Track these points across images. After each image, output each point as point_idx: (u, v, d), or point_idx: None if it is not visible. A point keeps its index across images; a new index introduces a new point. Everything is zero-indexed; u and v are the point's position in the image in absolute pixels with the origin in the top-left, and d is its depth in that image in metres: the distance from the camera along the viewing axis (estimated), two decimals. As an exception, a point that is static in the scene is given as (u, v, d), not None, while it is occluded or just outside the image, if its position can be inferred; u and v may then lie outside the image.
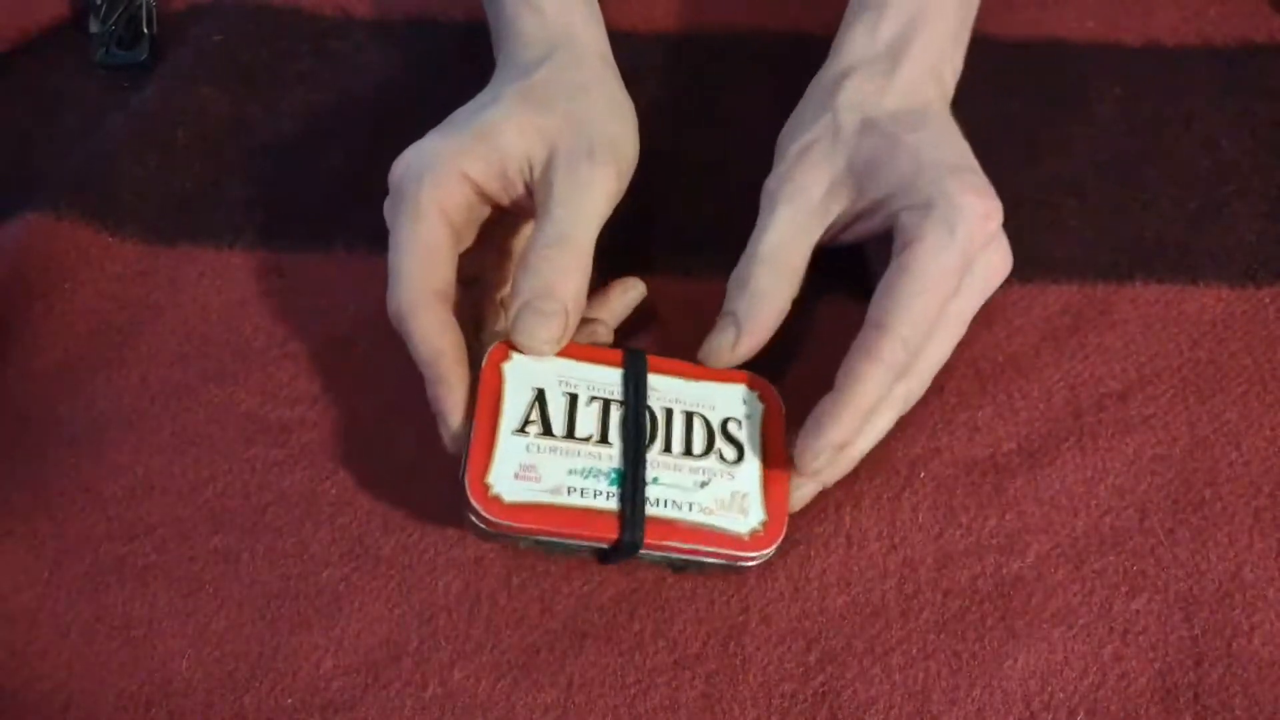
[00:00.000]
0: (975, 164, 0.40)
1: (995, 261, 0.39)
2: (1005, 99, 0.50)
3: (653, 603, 0.39)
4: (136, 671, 0.38)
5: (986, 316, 0.43)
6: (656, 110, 0.49)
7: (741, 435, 0.38)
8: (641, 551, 0.36)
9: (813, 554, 0.40)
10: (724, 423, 0.38)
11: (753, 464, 0.38)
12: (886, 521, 0.40)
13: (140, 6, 0.53)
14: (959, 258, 0.37)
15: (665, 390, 0.39)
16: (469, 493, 0.35)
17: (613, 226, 0.39)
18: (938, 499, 0.41)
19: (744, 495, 0.37)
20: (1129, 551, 0.40)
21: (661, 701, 0.37)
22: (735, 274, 0.39)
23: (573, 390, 0.37)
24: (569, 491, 0.36)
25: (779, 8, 0.53)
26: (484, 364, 0.37)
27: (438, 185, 0.38)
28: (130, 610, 0.39)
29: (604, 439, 0.37)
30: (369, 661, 0.38)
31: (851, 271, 0.43)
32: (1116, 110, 0.50)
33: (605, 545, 0.36)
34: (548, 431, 0.36)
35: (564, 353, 0.38)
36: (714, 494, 0.37)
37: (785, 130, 0.43)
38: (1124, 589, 0.39)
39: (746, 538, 0.36)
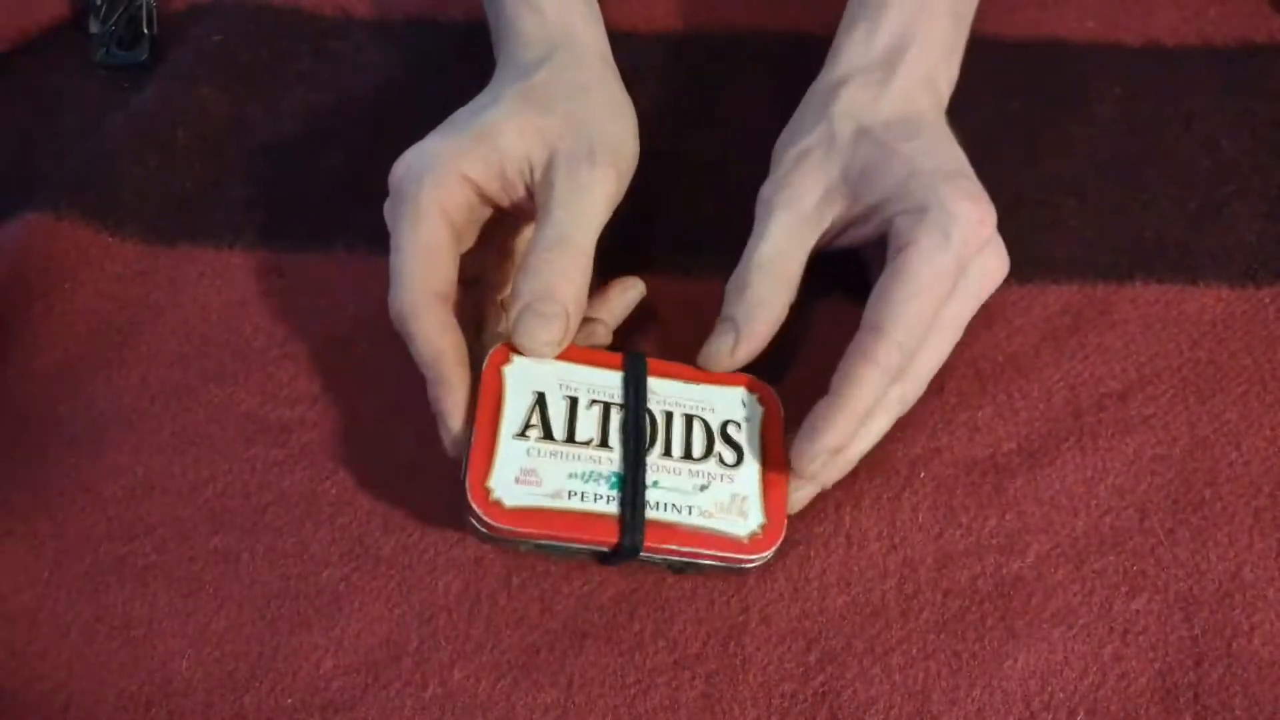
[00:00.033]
0: (970, 170, 0.40)
1: (990, 265, 0.39)
2: (1005, 99, 0.50)
3: (653, 603, 0.39)
4: (136, 671, 0.38)
5: (986, 316, 0.43)
6: (656, 110, 0.49)
7: (741, 438, 0.38)
8: (641, 554, 0.36)
9: (813, 554, 0.40)
10: (723, 426, 0.38)
11: (752, 467, 0.38)
12: (886, 521, 0.40)
13: (140, 7, 0.53)
14: (953, 262, 0.37)
15: (665, 393, 0.39)
16: (470, 497, 0.35)
17: (613, 226, 0.39)
18: (938, 499, 0.41)
19: (743, 498, 0.37)
20: (1129, 551, 0.40)
21: (661, 701, 0.37)
22: (733, 280, 0.40)
23: (573, 394, 0.37)
24: (569, 495, 0.36)
25: (779, 8, 0.53)
26: (485, 367, 0.37)
27: (438, 186, 0.38)
28: (130, 610, 0.39)
29: (604, 443, 0.37)
30: (369, 661, 0.38)
31: (849, 276, 0.43)
32: (1116, 110, 0.50)
33: (605, 549, 0.36)
34: (548, 435, 0.36)
35: (564, 356, 0.38)
36: (713, 497, 0.37)
37: (782, 138, 0.43)
38: (1124, 589, 0.39)
39: (746, 540, 0.36)
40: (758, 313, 0.38)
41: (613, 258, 0.43)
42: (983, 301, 0.40)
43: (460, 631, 0.38)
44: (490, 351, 0.37)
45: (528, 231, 0.43)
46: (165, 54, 0.53)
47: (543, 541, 0.36)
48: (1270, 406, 0.42)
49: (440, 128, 0.41)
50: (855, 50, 0.43)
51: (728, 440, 0.38)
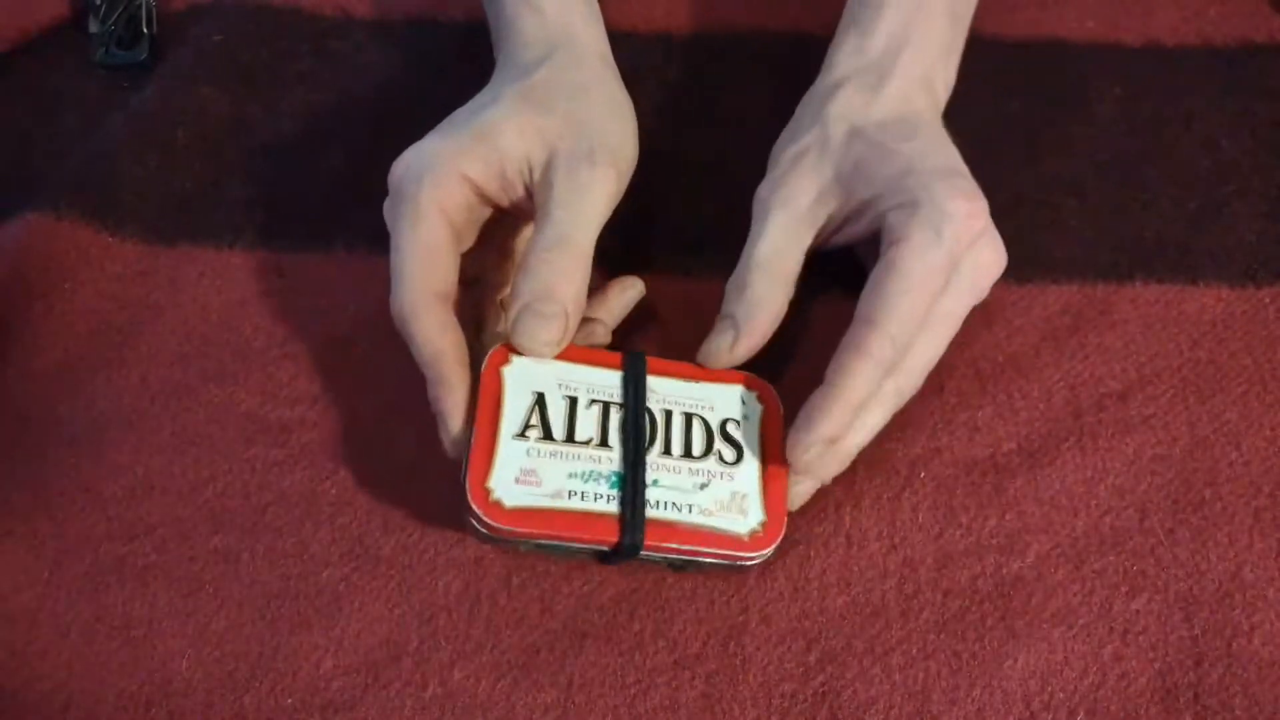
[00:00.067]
0: (964, 168, 0.40)
1: (984, 259, 0.39)
2: (1005, 99, 0.50)
3: (653, 603, 0.39)
4: (136, 671, 0.38)
5: (986, 316, 0.43)
6: (656, 110, 0.49)
7: (740, 436, 0.38)
8: (642, 553, 0.36)
9: (813, 554, 0.40)
10: (723, 424, 0.38)
11: (752, 465, 0.38)
12: (886, 521, 0.40)
13: (140, 6, 0.53)
14: (945, 258, 0.37)
15: (665, 392, 0.39)
16: (470, 498, 0.35)
17: (613, 226, 0.39)
18: (938, 499, 0.41)
19: (743, 496, 0.37)
20: (1129, 551, 0.40)
21: (661, 701, 0.37)
22: (732, 280, 0.40)
23: (572, 393, 0.37)
24: (569, 495, 0.36)
25: (779, 8, 0.53)
26: (484, 367, 0.37)
27: (437, 186, 0.38)
28: (130, 610, 0.39)
29: (604, 442, 0.37)
30: (369, 661, 0.38)
31: (847, 275, 0.43)
32: (1116, 110, 0.50)
33: (606, 548, 0.36)
34: (548, 436, 0.36)
35: (564, 355, 0.38)
36: (713, 495, 0.37)
37: (780, 139, 0.43)
38: (1124, 589, 0.39)
39: (746, 538, 0.36)
40: (757, 311, 0.39)
41: (613, 258, 0.43)
42: (980, 294, 0.40)
43: (460, 631, 0.38)
44: (489, 352, 0.37)
45: (527, 231, 0.43)
46: (165, 54, 0.53)
47: (543, 541, 0.36)
48: (1270, 406, 0.42)
49: (439, 127, 0.41)
50: (851, 53, 0.43)
51: (727, 438, 0.38)
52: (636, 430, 0.37)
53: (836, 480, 0.40)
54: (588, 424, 0.37)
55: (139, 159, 0.48)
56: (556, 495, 0.35)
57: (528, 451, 0.36)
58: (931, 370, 0.40)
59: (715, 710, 0.37)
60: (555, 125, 0.39)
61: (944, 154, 0.40)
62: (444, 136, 0.39)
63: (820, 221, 0.40)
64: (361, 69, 0.52)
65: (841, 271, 0.43)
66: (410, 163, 0.39)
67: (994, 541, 0.40)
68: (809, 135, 0.41)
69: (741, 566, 0.38)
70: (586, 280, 0.38)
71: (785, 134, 0.43)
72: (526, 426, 0.36)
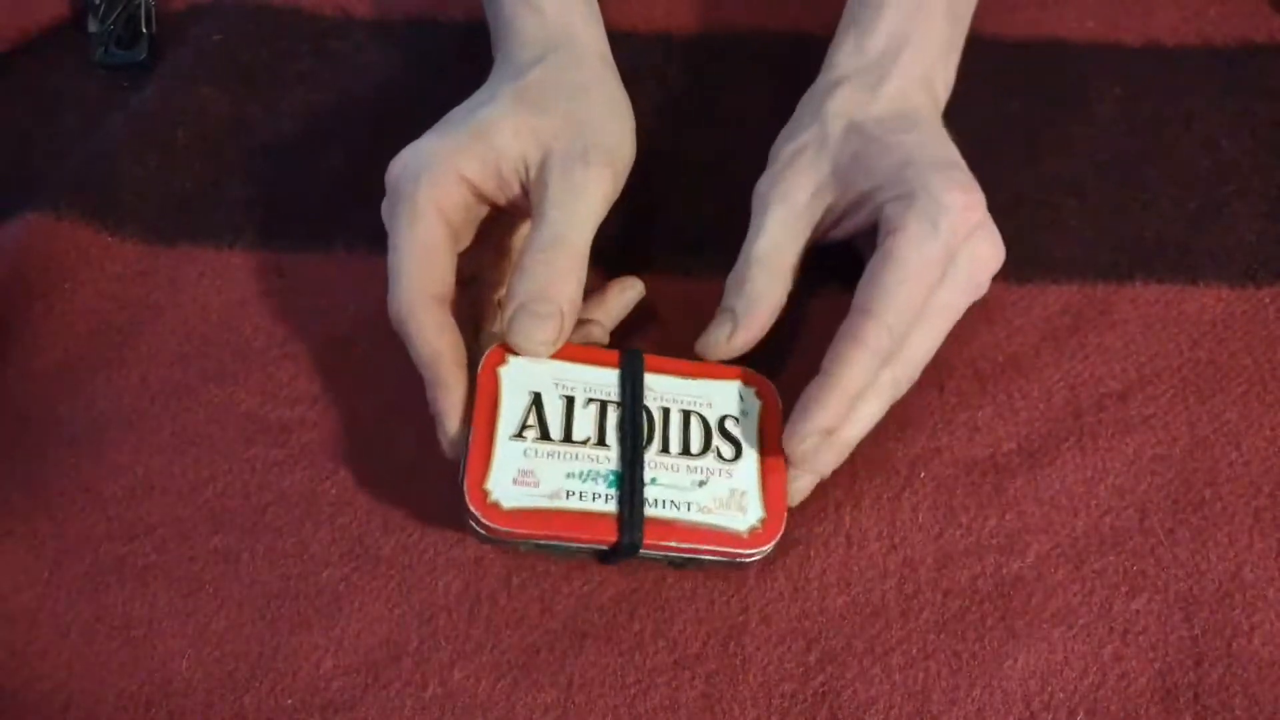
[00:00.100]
0: (961, 161, 0.40)
1: (981, 252, 0.39)
2: (1005, 99, 0.50)
3: (653, 603, 0.39)
4: (136, 671, 0.38)
5: (986, 316, 0.43)
6: (656, 110, 0.49)
7: (739, 432, 0.38)
8: (641, 551, 0.36)
9: (813, 554, 0.40)
10: (721, 420, 0.38)
11: (750, 461, 0.38)
12: (886, 521, 0.40)
13: (139, 6, 0.53)
14: (941, 250, 0.37)
15: (662, 389, 0.39)
16: (468, 499, 0.35)
17: (613, 226, 0.39)
18: (938, 499, 0.41)
19: (742, 493, 0.37)
20: (1129, 551, 0.40)
21: (661, 701, 0.37)
22: (732, 274, 0.40)
23: (569, 393, 0.37)
24: (567, 495, 0.36)
25: (779, 8, 0.53)
26: (480, 368, 0.37)
27: (434, 185, 0.38)
28: (130, 610, 0.39)
29: (601, 441, 0.37)
30: (369, 661, 0.38)
31: (846, 270, 0.43)
32: (1116, 110, 0.50)
33: (605, 547, 0.36)
34: (545, 436, 0.36)
35: (560, 354, 0.38)
36: (712, 492, 0.37)
37: (779, 137, 0.43)
38: (1124, 589, 0.39)
39: (745, 535, 0.36)
40: (756, 304, 0.39)
41: (613, 258, 0.43)
42: (978, 289, 0.40)
43: (460, 631, 0.38)
44: (486, 352, 0.37)
45: (524, 229, 0.43)
46: (165, 54, 0.53)
47: (542, 541, 0.36)
48: (1270, 406, 0.42)
49: (436, 126, 0.41)
50: (851, 52, 0.43)
51: (725, 435, 0.38)
52: (634, 429, 0.37)
53: (836, 480, 0.40)
54: (585, 423, 0.37)
55: (139, 159, 0.48)
56: (554, 496, 0.35)
57: (525, 452, 0.36)
58: (931, 368, 0.40)
59: (715, 710, 0.37)
60: (550, 125, 0.39)
61: (941, 147, 0.40)
62: (441, 136, 0.39)
63: (819, 215, 0.40)
64: (361, 69, 0.52)
65: (840, 266, 0.43)
66: (408, 162, 0.39)
67: (994, 541, 0.40)
68: (808, 132, 0.41)
69: (741, 563, 0.38)
70: (582, 280, 0.38)
71: (785, 131, 0.43)
72: (524, 427, 0.36)
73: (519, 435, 0.36)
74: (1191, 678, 0.37)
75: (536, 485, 0.35)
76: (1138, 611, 0.38)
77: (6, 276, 0.45)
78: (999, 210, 0.39)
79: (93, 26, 0.53)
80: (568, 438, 0.37)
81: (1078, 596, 0.39)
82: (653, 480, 0.37)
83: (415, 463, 0.41)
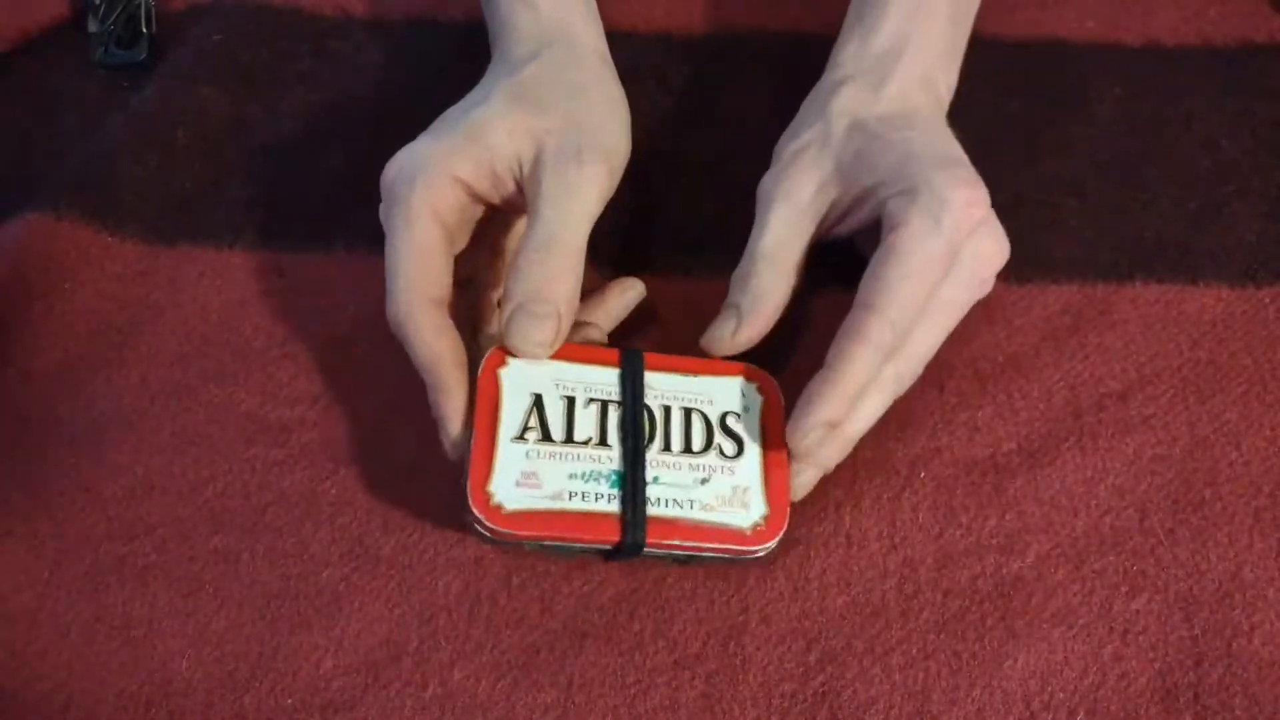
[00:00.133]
0: (964, 158, 0.40)
1: (984, 248, 0.39)
2: (1005, 99, 0.50)
3: (653, 603, 0.39)
4: (136, 671, 0.38)
5: (986, 316, 0.43)
6: (656, 110, 0.49)
7: (740, 428, 0.38)
8: (644, 550, 0.36)
9: (813, 554, 0.40)
10: (723, 417, 0.38)
11: (753, 457, 0.38)
12: (886, 521, 0.40)
13: (139, 6, 0.53)
14: (944, 246, 0.37)
15: (663, 387, 0.39)
16: (471, 502, 0.35)
17: (613, 227, 0.39)
18: (938, 499, 0.41)
19: (745, 489, 0.37)
20: (1129, 551, 0.40)
21: (661, 701, 0.37)
22: (737, 271, 0.40)
23: (570, 393, 0.37)
24: (570, 496, 0.36)
25: (779, 8, 0.53)
26: (480, 371, 0.37)
27: (429, 188, 0.38)
28: (130, 610, 0.39)
29: (603, 441, 0.37)
30: (369, 661, 0.38)
31: (849, 265, 0.43)
32: (1116, 110, 0.50)
33: (608, 547, 0.36)
34: (547, 437, 0.36)
35: (561, 354, 0.38)
36: (715, 490, 0.37)
37: (783, 136, 0.43)
38: (1124, 589, 0.39)
39: (749, 532, 0.36)
40: (760, 301, 0.39)
41: (613, 258, 0.43)
42: (982, 285, 0.40)
43: (460, 631, 0.38)
44: (486, 355, 0.37)
45: (519, 228, 0.43)
46: (165, 54, 0.53)
47: (546, 542, 0.36)
48: (1270, 406, 0.42)
49: (432, 127, 0.41)
50: (854, 53, 0.43)
51: (727, 431, 0.38)
52: (635, 428, 0.37)
53: (837, 481, 0.40)
54: (586, 423, 0.37)
55: (139, 159, 0.48)
56: (557, 497, 0.35)
57: (527, 454, 0.36)
58: (931, 368, 0.40)
59: (715, 710, 0.37)
60: (544, 122, 0.39)
61: (944, 144, 0.40)
62: (435, 137, 0.39)
63: (823, 211, 0.40)
64: (361, 69, 0.52)
65: (843, 263, 0.43)
66: (403, 164, 0.39)
67: (994, 541, 0.40)
68: (811, 130, 0.41)
69: (745, 560, 0.38)
70: (579, 279, 0.38)
71: (789, 130, 0.43)
72: (525, 429, 0.36)
73: (520, 437, 0.36)
74: (1191, 678, 0.37)
75: (539, 487, 0.35)
76: (1138, 611, 0.38)
77: (6, 276, 0.45)
78: (999, 210, 0.39)
79: (93, 26, 0.53)
80: (569, 438, 0.37)
81: (1078, 596, 0.39)
82: (655, 479, 0.37)
83: (415, 463, 0.41)
